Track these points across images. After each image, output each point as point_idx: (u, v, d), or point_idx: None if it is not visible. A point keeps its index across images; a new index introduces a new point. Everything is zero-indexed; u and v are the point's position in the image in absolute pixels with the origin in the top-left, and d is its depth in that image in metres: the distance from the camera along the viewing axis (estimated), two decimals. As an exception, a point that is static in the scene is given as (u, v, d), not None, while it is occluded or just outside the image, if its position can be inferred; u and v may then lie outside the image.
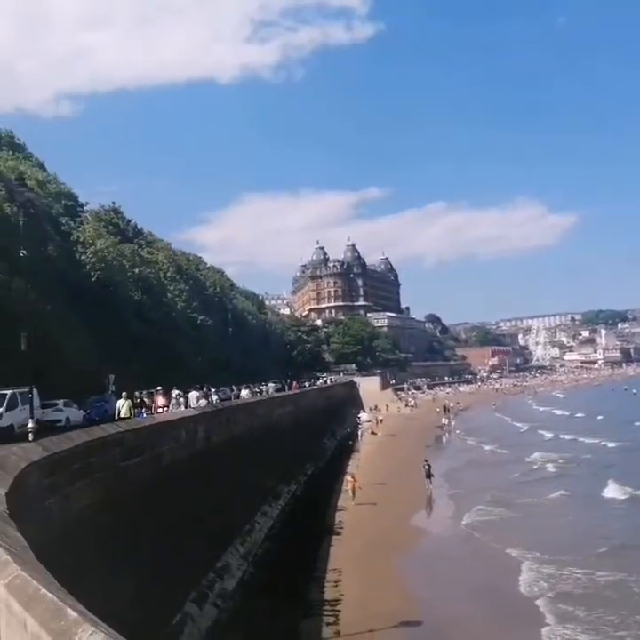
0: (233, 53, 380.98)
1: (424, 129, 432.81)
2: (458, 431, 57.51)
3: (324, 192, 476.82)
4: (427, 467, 31.67)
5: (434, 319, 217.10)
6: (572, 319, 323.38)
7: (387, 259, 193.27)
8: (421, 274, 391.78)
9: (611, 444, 42.06)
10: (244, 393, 35.82)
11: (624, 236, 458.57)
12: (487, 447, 45.97)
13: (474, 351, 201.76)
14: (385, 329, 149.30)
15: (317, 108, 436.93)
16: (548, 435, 51.05)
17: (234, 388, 37.18)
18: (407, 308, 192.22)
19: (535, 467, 36.44)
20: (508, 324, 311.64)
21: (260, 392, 40.83)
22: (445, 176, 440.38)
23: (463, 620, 14.56)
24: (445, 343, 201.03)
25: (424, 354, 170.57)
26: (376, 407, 77.55)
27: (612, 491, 27.77)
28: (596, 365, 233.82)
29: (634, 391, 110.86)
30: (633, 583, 16.19)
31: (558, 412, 72.49)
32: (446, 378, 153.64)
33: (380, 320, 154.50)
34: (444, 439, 52.50)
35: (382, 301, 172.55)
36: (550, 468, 35.71)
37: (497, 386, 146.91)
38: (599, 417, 62.13)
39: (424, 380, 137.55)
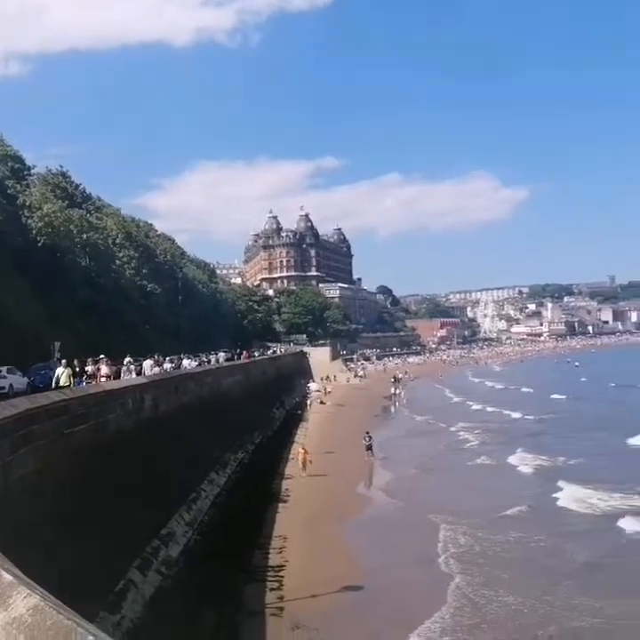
0: (188, 17, 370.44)
1: (380, 98, 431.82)
2: (405, 401, 58.49)
3: (280, 161, 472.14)
4: (368, 439, 32.14)
5: (385, 291, 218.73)
6: (520, 292, 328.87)
7: (340, 229, 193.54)
8: (374, 245, 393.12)
9: (529, 417, 43.79)
10: (186, 362, 34.12)
11: (572, 212, 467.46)
12: (419, 418, 47.32)
13: (423, 323, 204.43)
14: (336, 300, 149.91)
15: (274, 75, 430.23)
16: (476, 406, 52.64)
17: (182, 356, 36.59)
18: (359, 280, 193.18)
19: (459, 437, 37.61)
20: (457, 296, 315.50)
21: (209, 362, 40.67)
22: (401, 147, 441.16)
23: (398, 583, 15.04)
24: (396, 315, 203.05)
25: (374, 325, 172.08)
26: (326, 377, 78.13)
27: (518, 459, 29.67)
28: (542, 338, 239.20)
29: (576, 364, 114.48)
30: (532, 542, 17.07)
31: (493, 385, 73.96)
32: (396, 349, 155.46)
33: (332, 291, 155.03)
34: (392, 409, 53.27)
35: (334, 272, 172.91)
36: (470, 437, 36.95)
37: (445, 357, 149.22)
38: (529, 389, 63.99)
39: (374, 350, 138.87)
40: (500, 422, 42.95)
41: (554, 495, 22.39)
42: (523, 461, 29.05)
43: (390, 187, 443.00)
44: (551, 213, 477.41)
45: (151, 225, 77.89)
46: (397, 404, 55.99)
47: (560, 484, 23.52)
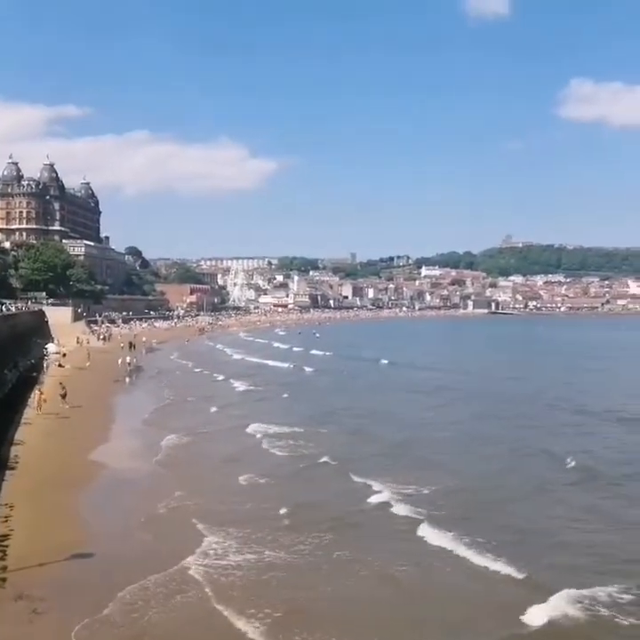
0: None
1: (132, 48, 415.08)
2: (137, 369, 55.47)
3: (16, 103, 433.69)
4: (63, 391, 32.82)
5: (134, 252, 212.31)
6: (269, 263, 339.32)
7: (88, 184, 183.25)
8: (122, 203, 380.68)
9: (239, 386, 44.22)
10: None
11: (318, 188, 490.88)
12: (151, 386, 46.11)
13: (173, 288, 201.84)
14: (81, 258, 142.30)
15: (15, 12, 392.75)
16: (197, 369, 54.55)
17: None
18: (107, 238, 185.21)
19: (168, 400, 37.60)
20: (208, 263, 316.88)
21: None
22: (151, 104, 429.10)
23: (132, 550, 14.68)
24: (145, 278, 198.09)
25: (122, 287, 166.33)
26: (65, 339, 73.83)
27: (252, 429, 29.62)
28: (288, 308, 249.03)
29: (317, 334, 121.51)
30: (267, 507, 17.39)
31: (235, 354, 73.26)
32: (145, 312, 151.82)
33: (77, 248, 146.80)
34: (126, 379, 50.54)
35: (81, 228, 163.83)
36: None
37: (194, 323, 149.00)
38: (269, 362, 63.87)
39: (120, 313, 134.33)
40: (225, 390, 42.95)
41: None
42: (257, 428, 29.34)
43: (138, 144, 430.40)
44: (299, 189, 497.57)
45: None
46: (131, 374, 52.71)
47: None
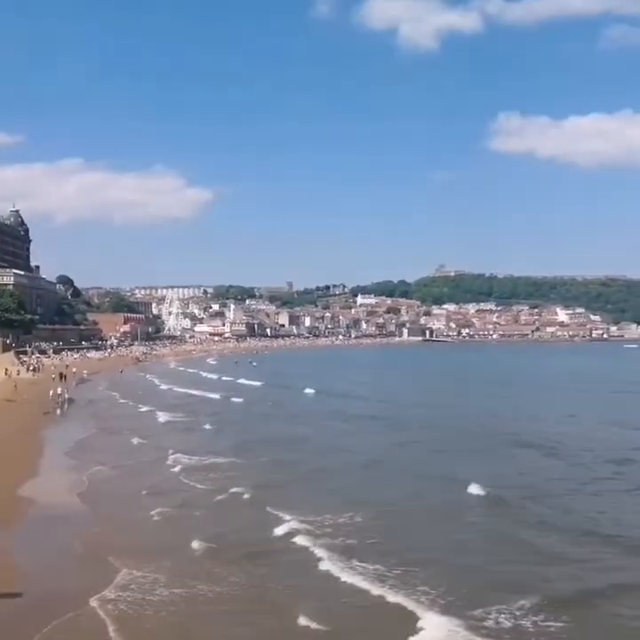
0: None
1: (63, 77, 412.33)
2: (68, 402, 54.80)
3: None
4: None
5: (66, 281, 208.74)
6: (205, 292, 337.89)
7: (17, 211, 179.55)
8: (52, 231, 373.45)
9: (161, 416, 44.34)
10: None
11: (254, 218, 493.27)
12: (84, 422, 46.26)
13: (106, 317, 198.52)
14: (10, 287, 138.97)
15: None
16: (123, 400, 54.89)
17: None
18: (37, 267, 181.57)
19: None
20: (142, 291, 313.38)
21: None
22: (85, 132, 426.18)
23: (61, 587, 14.69)
24: (77, 307, 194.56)
25: (53, 316, 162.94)
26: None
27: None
28: (225, 337, 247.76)
29: (254, 364, 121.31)
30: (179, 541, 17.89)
31: (166, 385, 72.21)
32: (76, 342, 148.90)
33: (6, 277, 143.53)
34: (57, 411, 49.89)
35: (9, 257, 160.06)
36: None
37: (128, 353, 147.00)
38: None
39: (51, 343, 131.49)
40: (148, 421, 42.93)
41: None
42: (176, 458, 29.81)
43: (71, 172, 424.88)
44: (235, 218, 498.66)
45: None
46: (62, 406, 51.99)
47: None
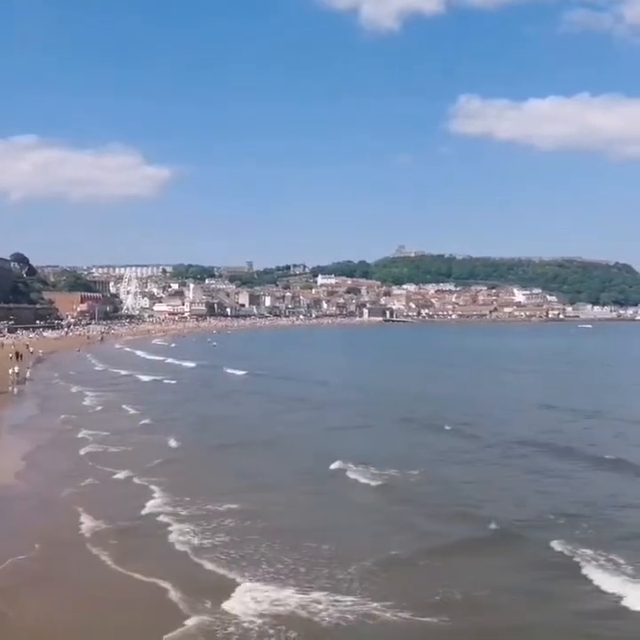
0: None
1: (17, 52, 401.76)
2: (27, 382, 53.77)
3: None
4: None
5: (21, 259, 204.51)
6: (164, 271, 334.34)
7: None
8: (7, 209, 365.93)
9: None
10: None
11: (212, 197, 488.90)
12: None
13: (63, 296, 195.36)
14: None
15: None
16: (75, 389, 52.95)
17: None
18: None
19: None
20: (100, 270, 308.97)
21: None
22: (39, 108, 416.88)
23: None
24: (32, 285, 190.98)
25: (7, 295, 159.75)
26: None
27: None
28: (184, 316, 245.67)
29: (214, 343, 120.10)
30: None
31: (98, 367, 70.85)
32: (33, 321, 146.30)
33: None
34: (14, 390, 48.79)
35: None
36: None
37: (85, 332, 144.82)
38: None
39: (6, 323, 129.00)
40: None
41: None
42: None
43: (26, 148, 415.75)
44: (194, 196, 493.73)
45: None
46: (19, 384, 50.85)
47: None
